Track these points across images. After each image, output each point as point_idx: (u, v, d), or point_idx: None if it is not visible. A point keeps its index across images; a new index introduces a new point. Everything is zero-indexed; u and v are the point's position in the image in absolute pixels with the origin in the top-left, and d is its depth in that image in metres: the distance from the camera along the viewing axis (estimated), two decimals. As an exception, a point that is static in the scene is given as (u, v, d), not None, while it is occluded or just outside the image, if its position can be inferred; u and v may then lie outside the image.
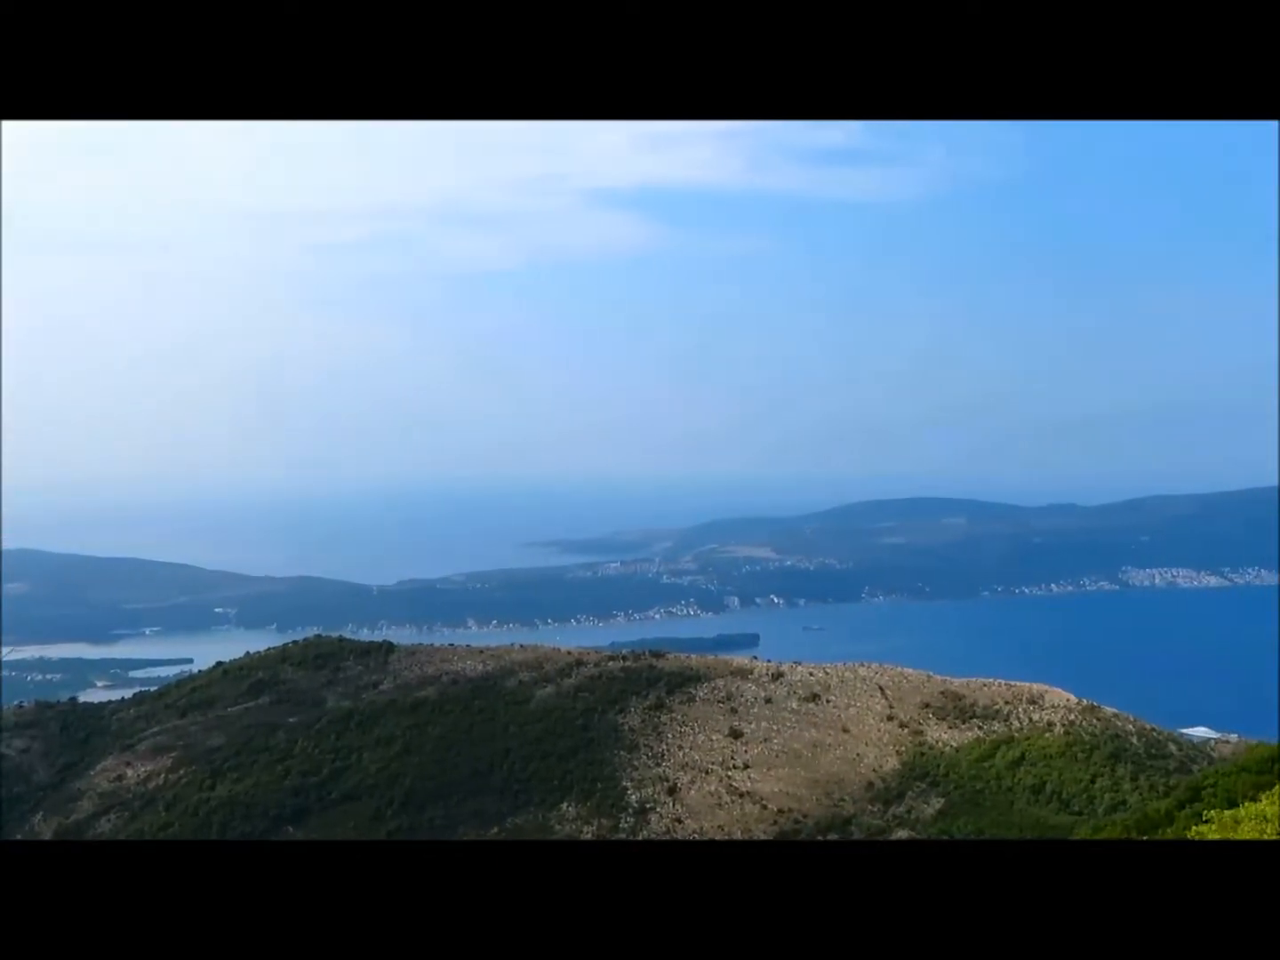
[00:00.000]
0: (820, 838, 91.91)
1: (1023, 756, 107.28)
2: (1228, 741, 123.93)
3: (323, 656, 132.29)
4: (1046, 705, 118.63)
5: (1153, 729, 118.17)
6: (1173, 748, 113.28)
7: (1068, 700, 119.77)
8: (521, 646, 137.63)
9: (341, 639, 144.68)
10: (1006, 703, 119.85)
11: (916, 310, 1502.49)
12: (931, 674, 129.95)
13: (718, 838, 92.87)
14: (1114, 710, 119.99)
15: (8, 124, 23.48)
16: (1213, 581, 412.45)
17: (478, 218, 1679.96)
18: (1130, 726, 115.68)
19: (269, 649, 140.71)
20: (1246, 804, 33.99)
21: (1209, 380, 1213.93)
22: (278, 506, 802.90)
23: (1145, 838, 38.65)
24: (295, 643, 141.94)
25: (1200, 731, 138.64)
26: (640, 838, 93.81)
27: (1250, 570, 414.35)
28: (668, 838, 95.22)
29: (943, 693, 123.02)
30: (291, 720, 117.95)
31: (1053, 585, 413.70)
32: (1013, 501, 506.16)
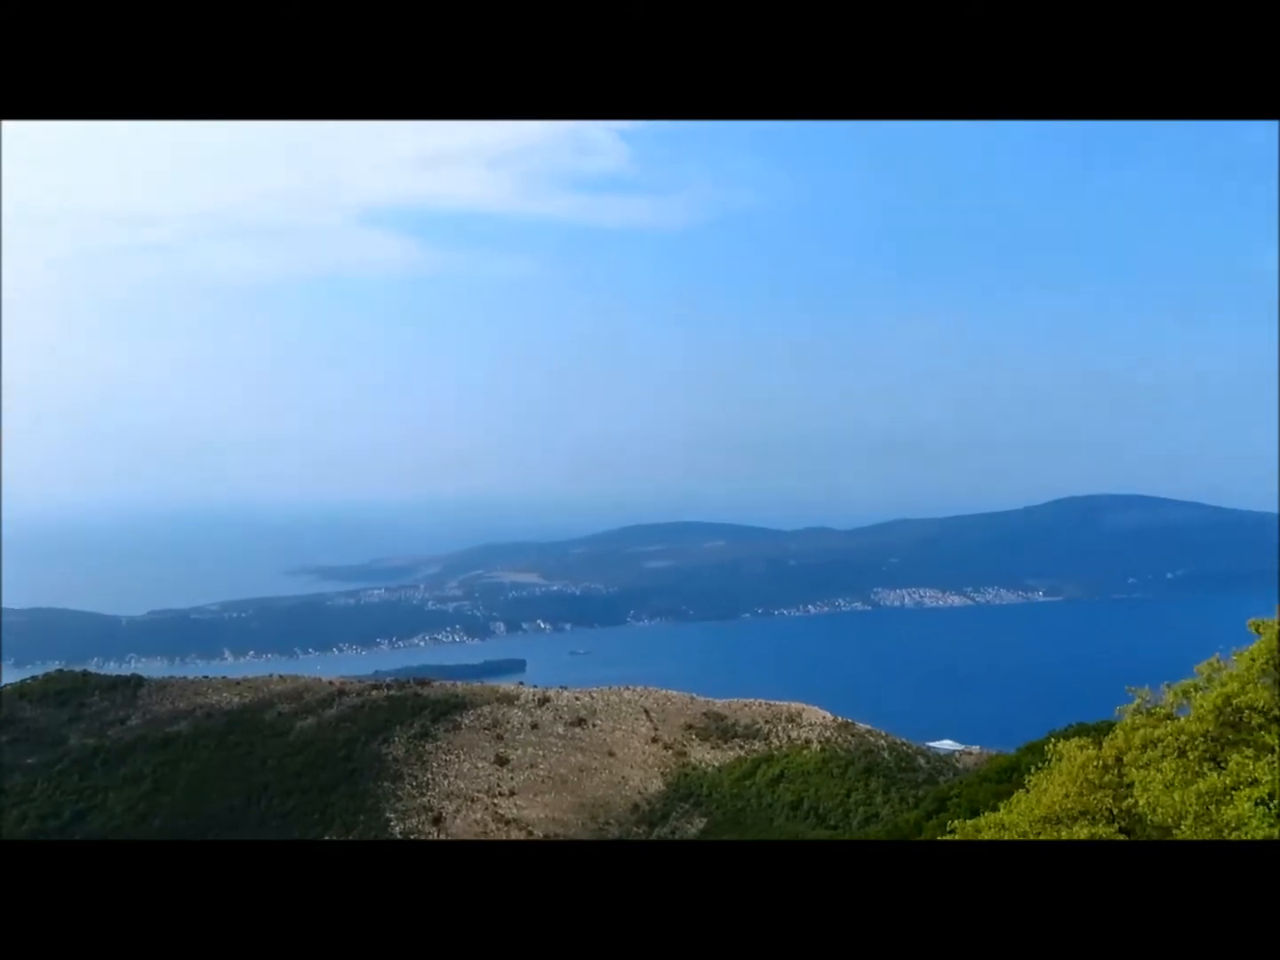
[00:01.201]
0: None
1: (782, 774, 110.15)
2: (970, 753, 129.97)
3: (65, 692, 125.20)
4: (804, 723, 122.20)
5: (903, 743, 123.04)
6: (921, 761, 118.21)
7: (824, 718, 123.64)
8: (280, 677, 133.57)
9: (85, 673, 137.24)
10: (766, 722, 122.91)
11: (679, 338, 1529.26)
12: (695, 695, 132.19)
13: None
14: (867, 726, 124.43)
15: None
16: (956, 600, 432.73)
17: (248, 230, 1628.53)
18: (882, 742, 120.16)
19: (4, 686, 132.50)
20: (987, 814, 35.71)
21: (950, 410, 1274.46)
22: (13, 534, 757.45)
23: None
24: (34, 678, 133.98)
25: (946, 744, 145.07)
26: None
27: (990, 589, 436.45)
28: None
29: (705, 714, 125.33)
30: (30, 761, 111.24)
31: (809, 606, 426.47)
32: (771, 525, 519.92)
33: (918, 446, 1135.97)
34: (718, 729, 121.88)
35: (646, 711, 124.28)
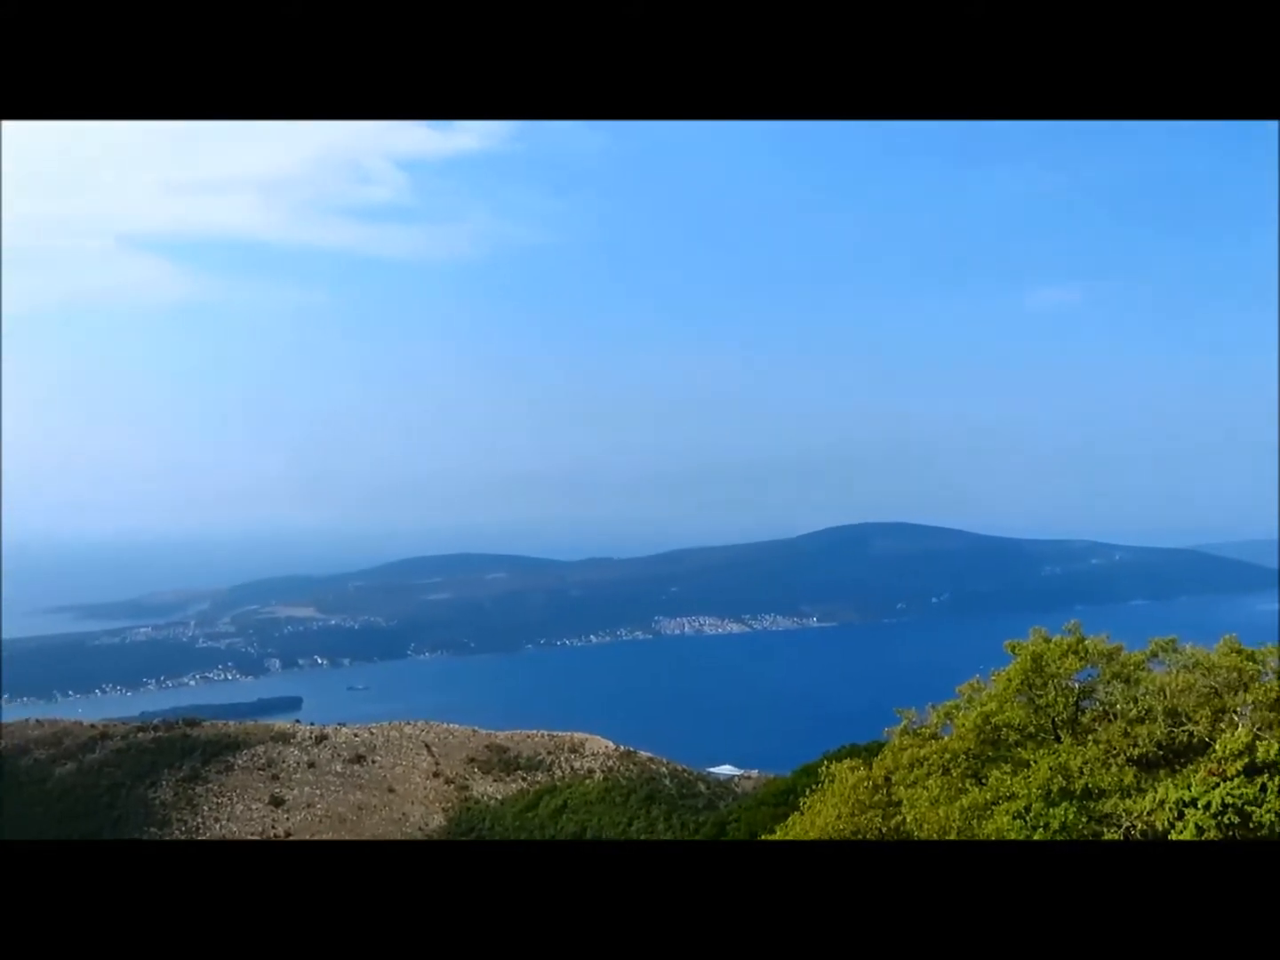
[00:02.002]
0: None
1: (565, 804, 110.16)
2: (749, 777, 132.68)
3: None
4: (587, 753, 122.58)
5: (684, 769, 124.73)
6: (702, 786, 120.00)
7: (606, 747, 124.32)
8: (38, 721, 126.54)
9: None
10: (549, 753, 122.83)
11: (458, 370, 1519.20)
12: (477, 729, 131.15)
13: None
14: (649, 754, 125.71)
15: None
16: (735, 628, 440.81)
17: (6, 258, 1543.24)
18: (664, 769, 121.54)
19: None
20: (764, 836, 36.44)
21: (727, 442, 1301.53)
22: None
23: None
24: None
25: (726, 769, 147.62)
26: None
27: (767, 616, 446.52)
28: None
29: (488, 746, 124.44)
30: None
31: (591, 636, 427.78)
32: (553, 556, 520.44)
33: (697, 477, 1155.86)
34: (500, 761, 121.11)
35: (427, 746, 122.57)
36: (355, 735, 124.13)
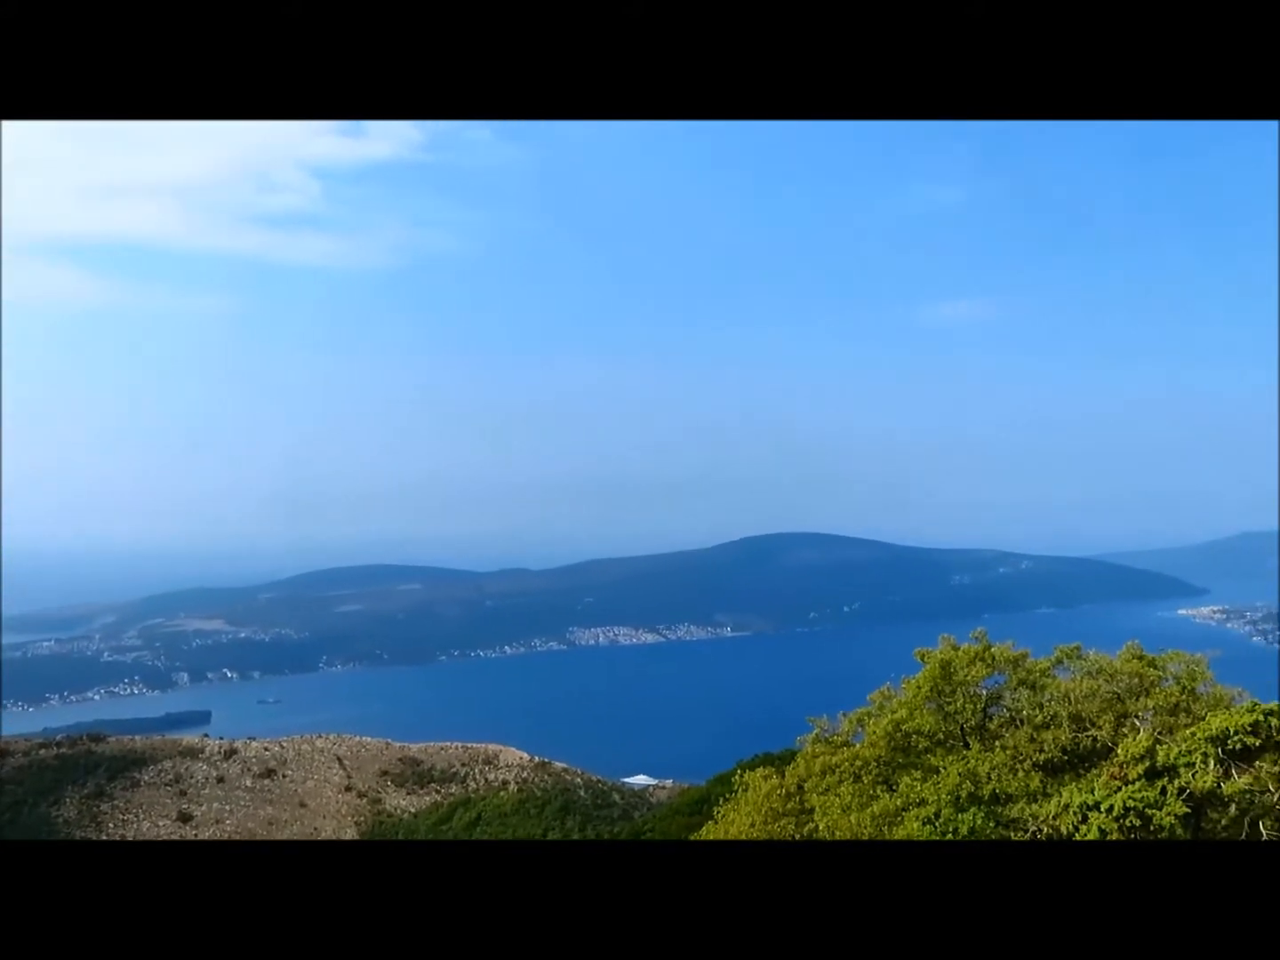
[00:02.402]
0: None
1: (479, 816, 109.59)
2: (664, 787, 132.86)
3: None
4: (501, 765, 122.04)
5: (598, 780, 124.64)
6: (616, 797, 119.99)
7: (521, 758, 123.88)
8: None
9: None
10: (463, 765, 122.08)
11: (371, 379, 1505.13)
12: (390, 741, 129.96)
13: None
14: (564, 765, 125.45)
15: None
16: (649, 638, 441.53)
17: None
18: (578, 779, 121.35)
19: None
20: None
21: (642, 453, 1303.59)
22: None
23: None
24: None
25: (640, 779, 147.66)
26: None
27: (682, 626, 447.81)
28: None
29: (401, 759, 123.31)
30: None
31: (506, 647, 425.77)
32: (467, 567, 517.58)
33: (612, 488, 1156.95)
34: (414, 774, 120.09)
35: (340, 759, 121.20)
36: (265, 749, 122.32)
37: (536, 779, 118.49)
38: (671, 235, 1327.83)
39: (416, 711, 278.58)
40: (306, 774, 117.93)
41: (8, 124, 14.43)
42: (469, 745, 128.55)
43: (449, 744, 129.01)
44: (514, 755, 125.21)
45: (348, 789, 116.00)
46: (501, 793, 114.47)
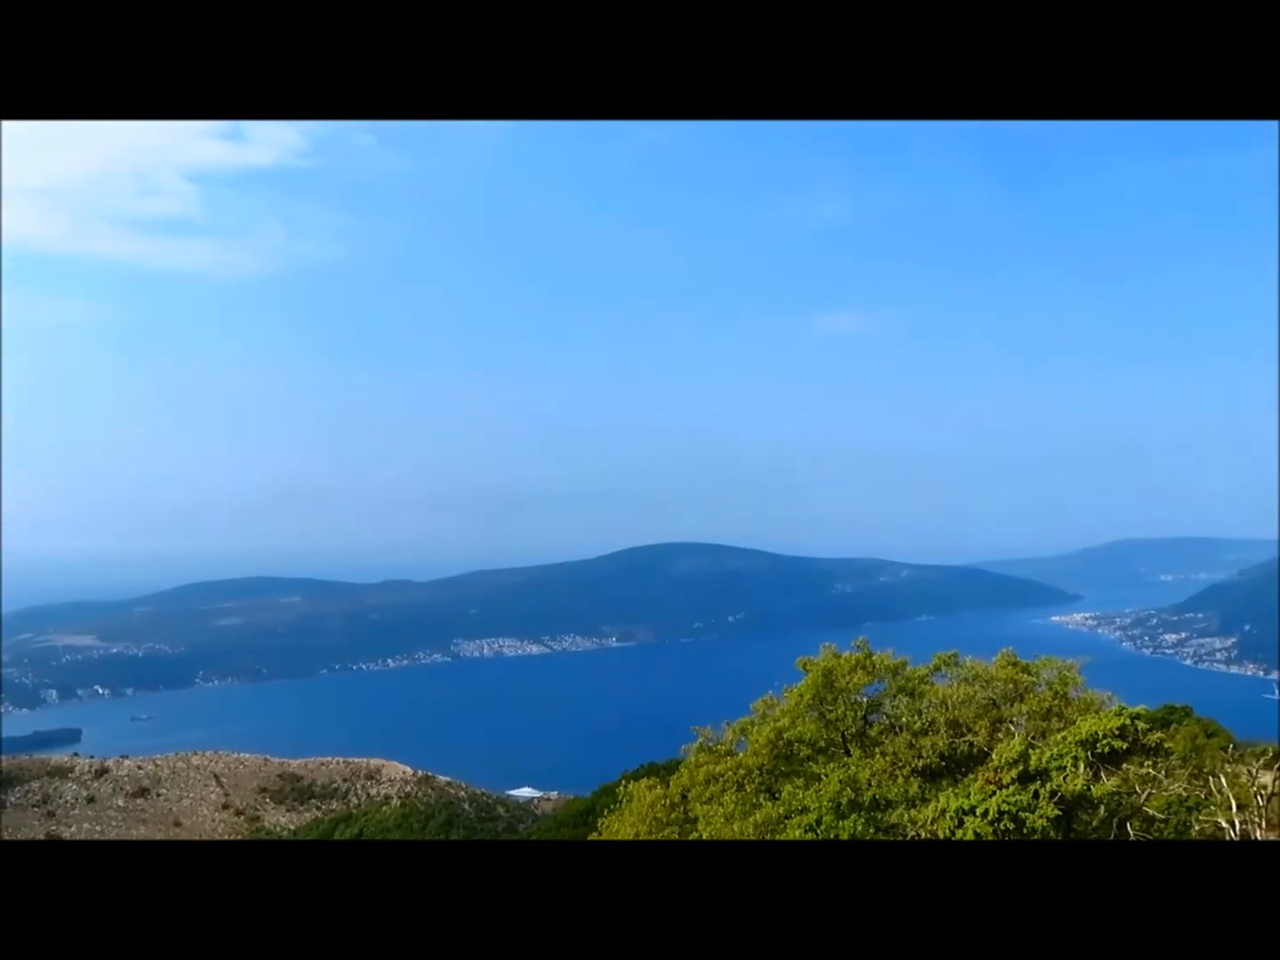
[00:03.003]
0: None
1: (361, 832, 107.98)
2: (549, 799, 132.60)
3: None
4: (384, 779, 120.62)
5: (483, 793, 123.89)
6: (501, 809, 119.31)
7: (404, 772, 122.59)
8: None
9: None
10: (345, 780, 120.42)
11: (248, 387, 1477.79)
12: (269, 757, 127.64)
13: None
14: (448, 779, 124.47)
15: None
16: (535, 649, 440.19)
17: None
18: (463, 793, 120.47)
19: None
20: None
21: (528, 463, 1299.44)
22: None
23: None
24: None
25: (525, 791, 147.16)
26: None
27: (567, 637, 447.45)
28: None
29: (280, 775, 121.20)
30: None
31: (389, 660, 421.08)
32: (350, 579, 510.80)
33: (496, 498, 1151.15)
34: (294, 790, 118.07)
35: (216, 777, 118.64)
36: (139, 768, 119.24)
37: (420, 793, 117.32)
38: (557, 243, 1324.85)
39: (297, 727, 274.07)
40: (182, 792, 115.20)
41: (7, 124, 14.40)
42: (351, 760, 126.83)
43: (330, 759, 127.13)
44: (397, 769, 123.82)
45: (225, 807, 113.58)
46: (384, 808, 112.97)
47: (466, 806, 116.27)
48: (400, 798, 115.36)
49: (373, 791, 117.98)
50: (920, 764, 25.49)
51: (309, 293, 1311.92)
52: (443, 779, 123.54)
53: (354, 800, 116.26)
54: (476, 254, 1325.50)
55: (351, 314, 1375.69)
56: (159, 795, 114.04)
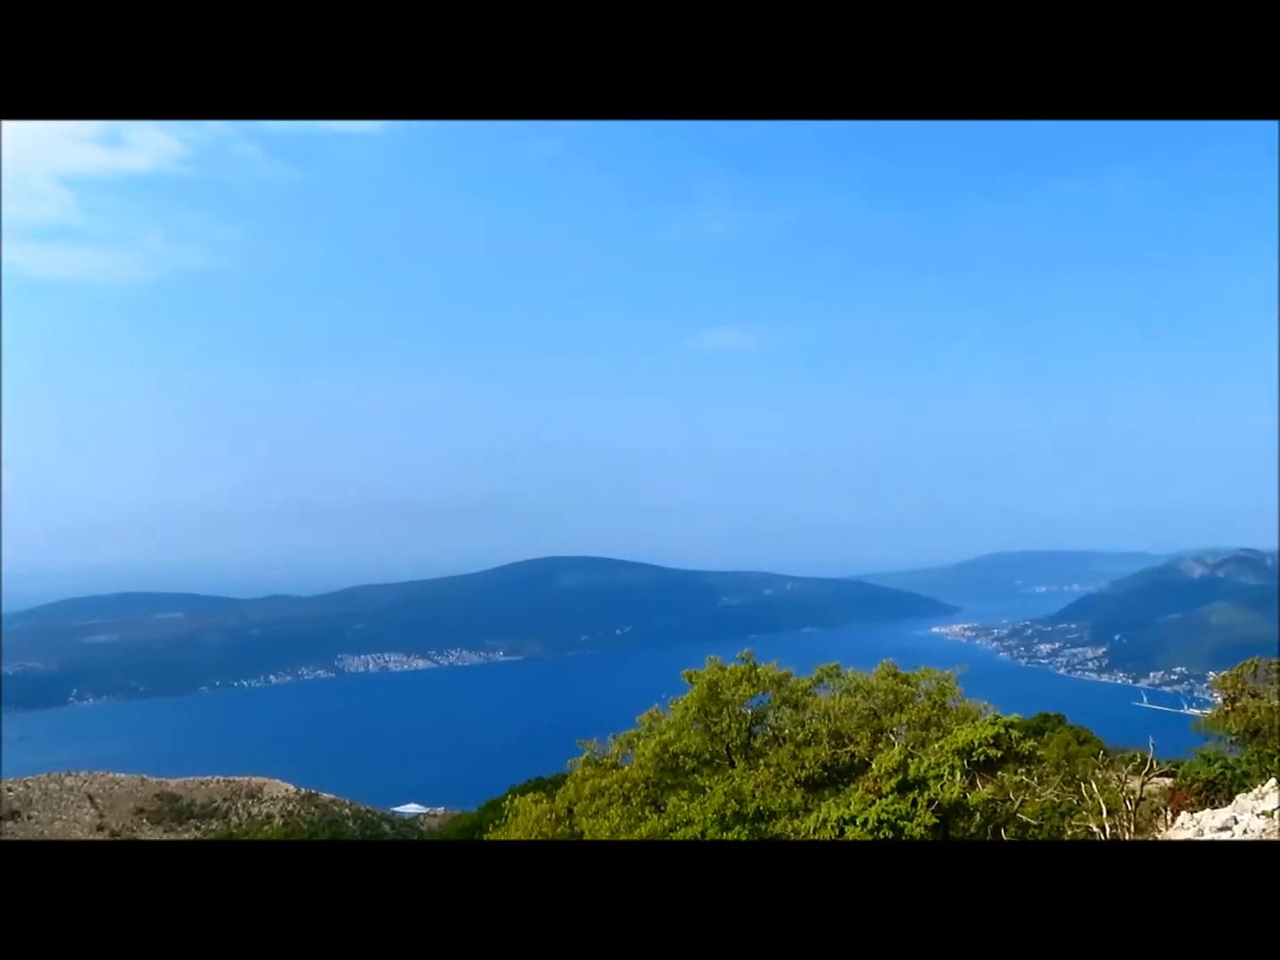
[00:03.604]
0: None
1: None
2: (435, 815, 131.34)
3: None
4: (266, 797, 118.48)
5: (368, 810, 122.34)
6: (386, 826, 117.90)
7: (287, 790, 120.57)
8: None
9: None
10: (225, 799, 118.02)
11: (128, 399, 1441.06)
12: (146, 777, 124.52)
13: None
14: (332, 796, 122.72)
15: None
16: (421, 664, 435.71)
17: None
18: (347, 810, 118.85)
19: None
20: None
21: (414, 476, 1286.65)
22: None
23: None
24: None
25: (412, 808, 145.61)
26: None
27: (454, 651, 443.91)
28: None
29: (158, 795, 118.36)
30: None
31: (271, 676, 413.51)
32: (231, 594, 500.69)
33: (381, 512, 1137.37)
34: (172, 810, 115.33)
35: (91, 798, 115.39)
36: (9, 789, 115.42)
37: (303, 811, 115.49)
38: (443, 252, 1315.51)
39: (176, 745, 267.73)
40: (54, 814, 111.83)
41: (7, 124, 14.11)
42: (231, 779, 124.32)
43: (210, 778, 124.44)
44: (279, 787, 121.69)
45: (100, 828, 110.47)
46: (266, 826, 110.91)
47: (351, 824, 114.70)
48: (283, 816, 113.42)
49: (254, 810, 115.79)
50: (803, 774, 25.89)
51: (190, 301, 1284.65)
52: (326, 796, 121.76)
53: (235, 820, 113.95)
54: (362, 261, 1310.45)
55: (234, 323, 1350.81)
56: (30, 818, 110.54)
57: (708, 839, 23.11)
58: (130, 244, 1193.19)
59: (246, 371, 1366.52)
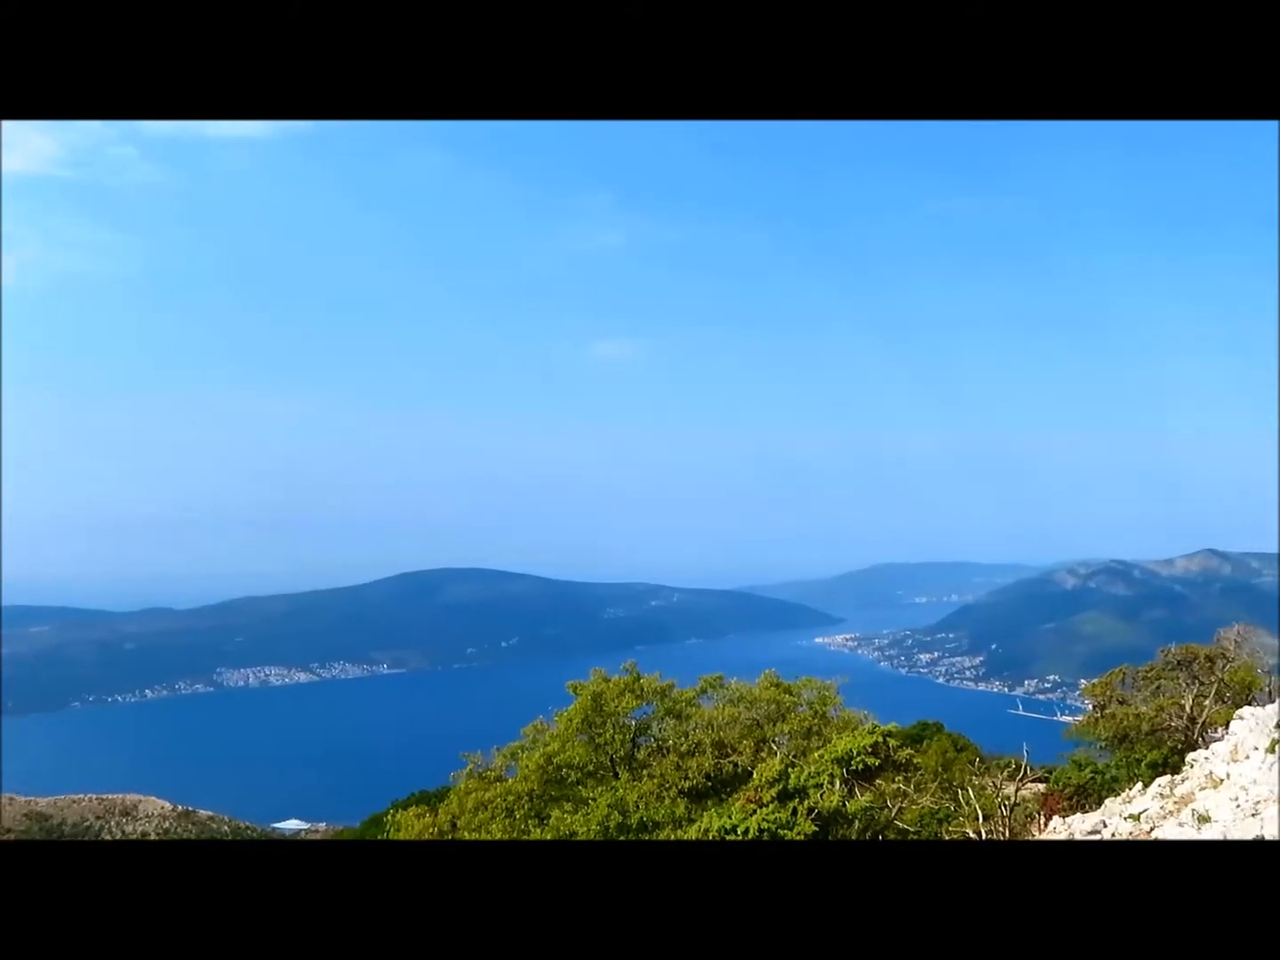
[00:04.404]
0: None
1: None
2: (316, 831, 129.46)
3: None
4: (140, 815, 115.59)
5: (247, 827, 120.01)
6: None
7: (162, 808, 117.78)
8: None
9: None
10: (98, 817, 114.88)
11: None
12: (15, 795, 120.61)
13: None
14: (209, 813, 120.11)
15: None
16: (303, 677, 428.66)
17: None
18: (225, 827, 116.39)
19: None
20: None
21: (288, 491, 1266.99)
22: None
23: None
24: None
25: (292, 824, 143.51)
26: None
27: (336, 664, 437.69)
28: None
29: (26, 814, 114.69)
30: None
31: (147, 691, 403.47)
32: (104, 607, 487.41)
33: (262, 523, 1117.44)
34: (41, 830, 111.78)
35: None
36: None
37: (180, 829, 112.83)
38: (326, 259, 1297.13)
39: (46, 763, 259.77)
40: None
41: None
42: (104, 796, 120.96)
43: (82, 796, 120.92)
44: (155, 805, 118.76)
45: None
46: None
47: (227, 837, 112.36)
48: (158, 834, 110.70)
49: (128, 829, 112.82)
50: (687, 785, 26.04)
51: (66, 308, 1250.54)
52: (204, 813, 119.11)
53: (107, 838, 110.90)
54: (244, 271, 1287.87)
55: (109, 328, 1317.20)
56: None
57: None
58: (5, 249, 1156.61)
59: (122, 380, 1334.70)
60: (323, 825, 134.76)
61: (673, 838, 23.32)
